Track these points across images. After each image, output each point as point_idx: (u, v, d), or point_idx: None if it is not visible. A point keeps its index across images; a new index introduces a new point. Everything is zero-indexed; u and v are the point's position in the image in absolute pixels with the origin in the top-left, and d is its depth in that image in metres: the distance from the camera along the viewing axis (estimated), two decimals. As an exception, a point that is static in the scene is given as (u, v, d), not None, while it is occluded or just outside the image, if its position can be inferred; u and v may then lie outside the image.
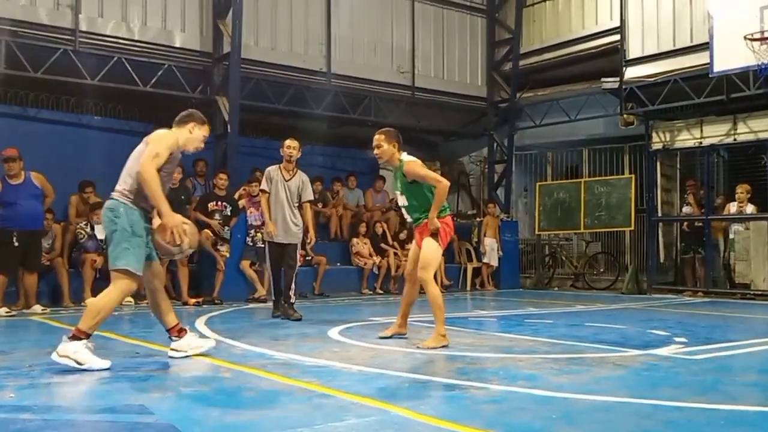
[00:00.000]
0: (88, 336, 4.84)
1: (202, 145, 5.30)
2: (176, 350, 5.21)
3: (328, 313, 8.75)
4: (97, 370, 4.72)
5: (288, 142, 8.30)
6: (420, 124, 14.60)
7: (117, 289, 4.89)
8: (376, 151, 6.19)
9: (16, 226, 8.62)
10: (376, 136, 6.23)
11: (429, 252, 5.98)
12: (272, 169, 8.25)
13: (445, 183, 5.93)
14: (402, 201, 6.23)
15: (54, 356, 4.79)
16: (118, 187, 5.02)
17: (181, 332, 5.33)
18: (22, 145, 9.20)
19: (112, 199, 4.99)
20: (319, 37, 13.02)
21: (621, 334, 6.89)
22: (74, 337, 4.81)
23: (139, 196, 4.94)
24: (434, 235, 5.97)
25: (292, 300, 8.21)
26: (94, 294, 9.58)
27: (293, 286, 8.20)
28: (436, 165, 16.46)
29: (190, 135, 5.22)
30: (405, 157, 6.14)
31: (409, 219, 6.30)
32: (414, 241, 6.38)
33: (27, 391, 4.14)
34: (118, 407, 3.76)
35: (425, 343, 5.84)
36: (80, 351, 4.75)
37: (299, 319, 7.96)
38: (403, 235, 13.16)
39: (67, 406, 3.82)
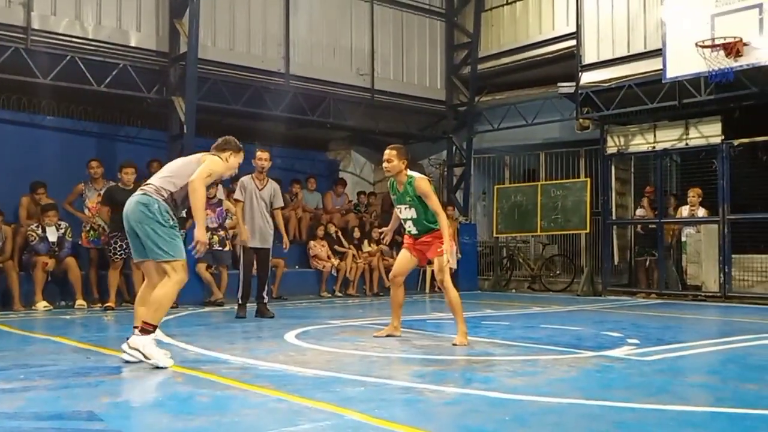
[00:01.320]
0: (155, 328, 5.08)
1: (236, 171, 5.71)
2: (129, 345, 5.07)
3: (285, 317, 8.69)
4: (162, 368, 4.90)
5: (259, 153, 8.72)
6: (379, 127, 14.61)
7: (173, 279, 5.13)
8: (386, 165, 6.52)
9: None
10: (388, 151, 6.53)
11: (443, 259, 6.38)
12: (246, 180, 8.64)
13: (445, 216, 6.48)
14: (409, 214, 6.52)
15: (124, 347, 5.08)
16: (153, 184, 5.26)
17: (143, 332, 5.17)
18: (-29, 144, 8.98)
19: (145, 195, 5.21)
20: (278, 38, 12.94)
21: (575, 336, 6.98)
22: (143, 331, 5.04)
23: (174, 199, 5.24)
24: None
25: (266, 300, 8.78)
26: (45, 297, 9.44)
27: (266, 287, 8.83)
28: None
29: (227, 163, 5.56)
30: (413, 173, 6.52)
31: (414, 231, 6.56)
32: (405, 249, 6.69)
33: (-29, 398, 4.03)
34: (66, 414, 3.68)
35: (458, 341, 6.26)
36: (148, 345, 5.01)
37: (272, 317, 8.51)
38: (356, 233, 13.15)
39: (14, 412, 3.71)
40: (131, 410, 3.83)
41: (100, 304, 9.70)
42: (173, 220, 5.19)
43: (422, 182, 6.46)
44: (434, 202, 6.41)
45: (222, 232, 10.81)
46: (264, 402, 3.97)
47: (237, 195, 8.67)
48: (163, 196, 5.18)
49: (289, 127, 14.13)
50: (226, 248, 10.86)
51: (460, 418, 3.68)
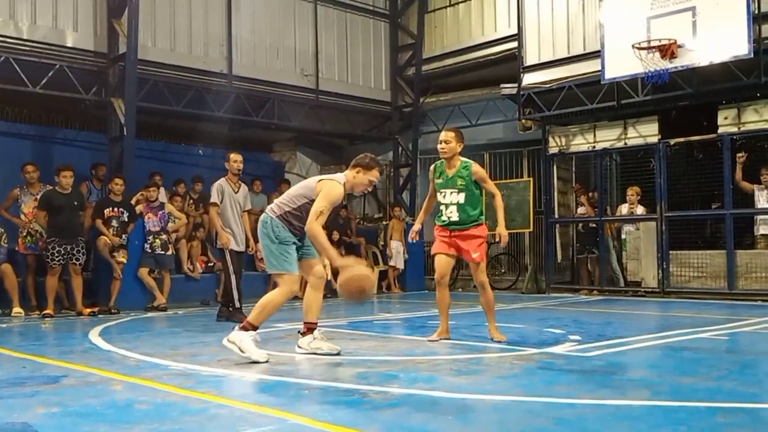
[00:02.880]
0: (255, 328, 5.43)
1: (369, 188, 5.84)
2: (299, 347, 5.73)
3: (230, 321, 8.56)
4: (255, 362, 5.23)
5: (235, 156, 8.73)
6: (325, 128, 14.57)
7: (282, 289, 5.50)
8: (443, 146, 6.43)
9: None
10: (447, 132, 6.53)
11: (483, 264, 6.51)
12: (222, 183, 8.64)
13: (500, 196, 6.56)
14: (456, 198, 6.42)
15: (224, 341, 5.46)
16: (274, 203, 5.74)
17: (306, 332, 5.69)
18: None
19: (264, 212, 5.72)
20: (220, 38, 12.79)
21: (519, 334, 7.07)
22: (243, 328, 5.42)
23: (290, 216, 5.56)
24: (483, 249, 6.49)
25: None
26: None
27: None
28: (342, 169, 16.46)
29: (354, 180, 5.71)
30: (467, 159, 6.51)
31: (455, 218, 6.42)
32: (443, 251, 6.53)
33: None
34: (-1, 426, 3.57)
35: (498, 337, 6.45)
36: (245, 341, 5.34)
37: (241, 322, 8.37)
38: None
39: (-57, 426, 3.58)
40: (67, 420, 3.72)
41: (38, 312, 9.42)
42: (285, 236, 5.49)
43: (479, 167, 6.51)
44: (492, 185, 6.56)
45: (164, 236, 10.62)
46: (205, 408, 3.91)
47: (214, 198, 8.56)
48: (276, 213, 5.58)
49: (232, 128, 14.00)
50: (169, 252, 10.68)
51: (404, 419, 3.69)
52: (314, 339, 5.74)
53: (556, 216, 13.23)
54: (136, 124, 11.17)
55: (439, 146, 6.50)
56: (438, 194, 6.58)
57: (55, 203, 9.44)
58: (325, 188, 5.51)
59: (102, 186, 11.38)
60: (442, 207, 6.53)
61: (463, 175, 6.42)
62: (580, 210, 13.05)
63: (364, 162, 5.75)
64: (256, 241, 8.50)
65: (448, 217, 6.47)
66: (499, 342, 6.34)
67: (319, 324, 5.92)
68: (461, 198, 6.41)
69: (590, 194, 12.86)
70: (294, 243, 5.59)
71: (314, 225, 5.35)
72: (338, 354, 5.64)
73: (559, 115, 12.82)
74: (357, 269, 5.33)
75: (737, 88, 10.87)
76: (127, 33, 10.90)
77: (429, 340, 6.57)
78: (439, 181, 6.56)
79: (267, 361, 5.29)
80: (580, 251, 13.09)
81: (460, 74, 14.95)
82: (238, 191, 8.68)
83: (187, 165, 13.69)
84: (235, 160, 8.66)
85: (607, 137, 12.52)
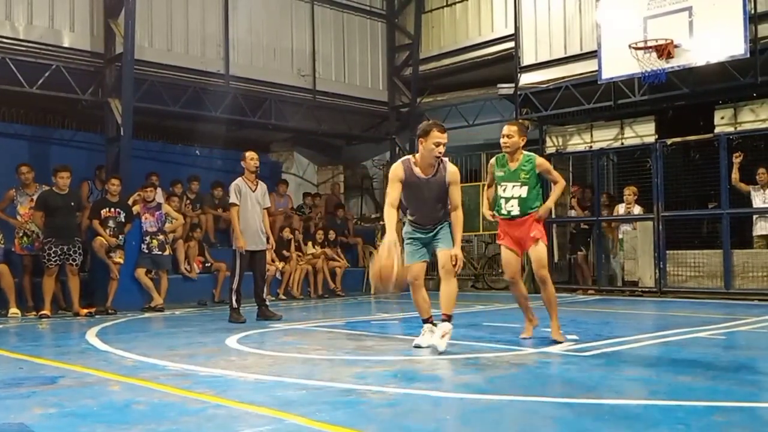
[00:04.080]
0: (424, 321, 6.06)
1: (442, 150, 5.76)
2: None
3: (227, 321, 8.57)
4: (425, 347, 5.88)
5: (251, 154, 8.78)
6: (322, 128, 14.57)
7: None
8: (506, 140, 6.39)
9: None
10: (508, 127, 6.48)
11: (544, 251, 6.38)
12: (240, 183, 8.65)
13: (564, 182, 6.58)
14: (518, 192, 6.33)
15: None
16: None
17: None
18: None
19: None
20: (217, 39, 12.78)
21: (517, 333, 7.04)
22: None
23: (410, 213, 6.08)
24: (540, 226, 6.36)
25: (267, 302, 8.96)
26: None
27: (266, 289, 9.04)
28: (339, 169, 16.48)
29: (422, 152, 5.82)
30: (526, 152, 6.47)
31: (515, 212, 6.35)
32: (505, 247, 6.45)
33: None
34: (-4, 427, 3.56)
35: (556, 336, 6.30)
36: (422, 333, 6.05)
37: (280, 319, 8.59)
38: (298, 235, 13.05)
39: (-61, 427, 3.57)
40: (64, 421, 3.71)
41: (34, 313, 9.41)
42: (405, 231, 6.11)
43: (543, 159, 6.51)
44: (557, 174, 6.53)
45: (161, 236, 10.61)
46: (203, 408, 3.90)
47: (233, 199, 8.57)
48: (404, 213, 6.16)
49: (229, 128, 13.98)
50: (166, 252, 10.68)
51: (402, 419, 3.69)
52: (425, 332, 6.04)
53: (553, 216, 13.21)
54: (133, 124, 11.16)
55: (501, 141, 6.41)
56: (498, 187, 6.48)
57: (52, 204, 9.42)
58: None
59: (102, 186, 11.37)
60: (502, 200, 6.42)
61: (526, 169, 6.33)
62: (572, 212, 13.06)
63: (420, 131, 5.79)
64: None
65: (508, 211, 6.40)
66: (556, 343, 6.14)
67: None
68: (523, 192, 6.32)
69: (585, 196, 12.86)
70: (416, 238, 6.02)
71: (384, 206, 5.82)
72: (441, 353, 5.66)
73: (556, 115, 12.83)
74: (378, 261, 5.44)
75: (734, 88, 10.89)
76: (123, 33, 10.90)
77: (522, 338, 6.54)
78: (501, 173, 6.45)
79: (418, 346, 5.91)
80: (572, 251, 13.10)
81: (457, 74, 14.95)
82: (255, 189, 8.69)
83: (184, 165, 13.67)
84: (252, 158, 8.71)
85: (604, 137, 12.53)
